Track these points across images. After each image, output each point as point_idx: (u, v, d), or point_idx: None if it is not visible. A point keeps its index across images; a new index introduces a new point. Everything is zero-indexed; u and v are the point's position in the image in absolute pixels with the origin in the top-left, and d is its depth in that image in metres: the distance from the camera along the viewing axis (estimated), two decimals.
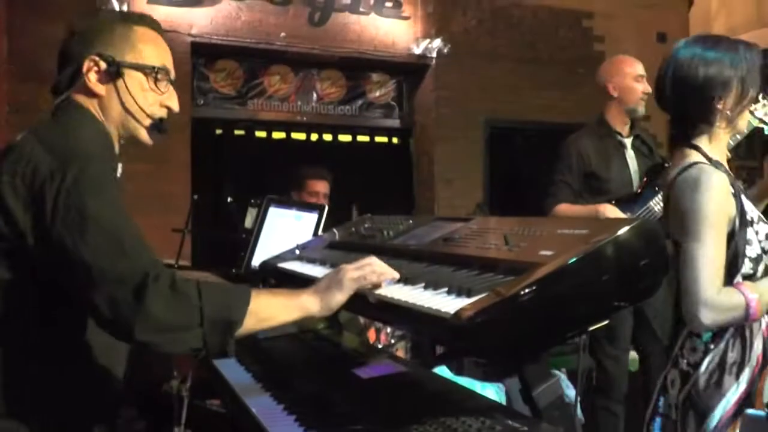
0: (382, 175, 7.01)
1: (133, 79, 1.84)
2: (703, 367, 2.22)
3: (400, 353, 3.38)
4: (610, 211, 3.82)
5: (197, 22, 5.84)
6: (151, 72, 1.86)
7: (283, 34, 6.17)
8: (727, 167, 2.33)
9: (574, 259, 1.45)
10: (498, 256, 1.65)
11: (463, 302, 1.42)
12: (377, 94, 6.99)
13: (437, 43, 6.60)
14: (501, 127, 6.96)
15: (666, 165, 2.74)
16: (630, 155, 4.14)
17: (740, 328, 2.20)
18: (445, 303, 1.45)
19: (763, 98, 3.06)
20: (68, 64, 1.83)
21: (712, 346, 2.22)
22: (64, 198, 1.57)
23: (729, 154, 2.51)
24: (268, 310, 1.69)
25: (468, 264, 1.71)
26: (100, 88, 1.81)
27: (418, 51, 6.59)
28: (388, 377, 2.07)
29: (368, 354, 2.37)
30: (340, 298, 1.73)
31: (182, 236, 3.41)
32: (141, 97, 1.85)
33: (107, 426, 1.87)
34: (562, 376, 3.99)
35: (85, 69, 1.80)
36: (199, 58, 6.20)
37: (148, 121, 1.87)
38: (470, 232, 1.97)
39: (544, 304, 1.41)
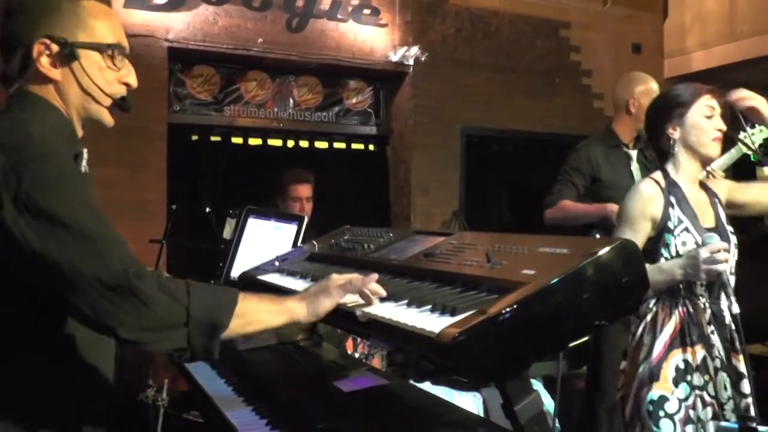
0: (358, 182, 7.01)
1: (88, 59, 1.73)
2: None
3: (377, 361, 3.39)
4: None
5: (174, 27, 5.81)
6: (107, 50, 1.75)
7: (260, 40, 6.15)
8: (686, 188, 2.82)
9: (556, 280, 1.46)
10: (481, 273, 1.66)
11: (447, 321, 1.43)
12: (354, 101, 7.00)
13: (415, 50, 6.62)
14: (478, 135, 6.98)
15: None
16: (635, 167, 4.29)
17: (654, 317, 2.78)
18: (430, 321, 1.46)
19: (751, 127, 3.18)
20: (13, 49, 1.70)
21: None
22: (24, 201, 1.49)
23: (718, 175, 3.13)
24: (255, 314, 1.67)
25: (450, 281, 1.72)
26: (54, 73, 1.71)
27: (395, 58, 6.61)
28: (369, 390, 2.08)
29: (348, 366, 2.38)
30: (327, 304, 1.72)
31: (160, 247, 3.38)
32: (99, 78, 1.75)
33: (97, 423, 1.81)
34: (539, 384, 4.01)
35: (35, 54, 1.68)
36: (175, 63, 6.17)
37: (108, 101, 1.78)
38: (451, 248, 1.98)
39: (527, 323, 1.42)
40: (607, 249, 1.54)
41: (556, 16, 7.28)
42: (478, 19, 6.94)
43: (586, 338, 1.66)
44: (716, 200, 2.91)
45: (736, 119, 3.11)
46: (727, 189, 2.97)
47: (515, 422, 1.68)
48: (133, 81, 1.83)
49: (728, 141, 3.43)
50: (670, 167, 2.87)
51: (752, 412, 2.78)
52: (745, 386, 2.77)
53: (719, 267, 2.60)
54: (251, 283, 2.51)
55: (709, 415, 2.70)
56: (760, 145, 3.28)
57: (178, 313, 1.55)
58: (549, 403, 3.68)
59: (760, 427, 1.84)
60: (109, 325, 1.52)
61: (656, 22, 7.87)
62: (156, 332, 1.55)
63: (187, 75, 6.35)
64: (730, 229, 2.86)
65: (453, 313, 1.46)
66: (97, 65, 1.75)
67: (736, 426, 1.87)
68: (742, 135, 3.36)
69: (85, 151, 1.77)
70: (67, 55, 1.70)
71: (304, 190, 4.56)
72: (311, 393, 2.08)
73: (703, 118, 2.80)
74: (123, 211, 5.21)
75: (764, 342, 5.60)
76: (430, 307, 1.54)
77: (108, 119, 1.80)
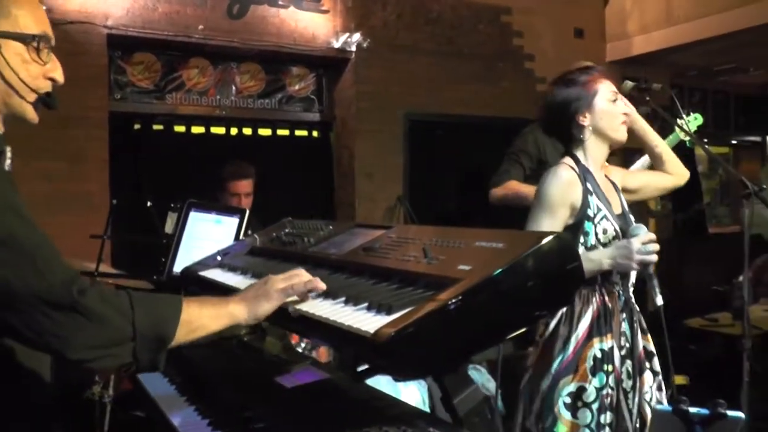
0: (302, 169, 6.99)
1: (11, 50, 1.63)
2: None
3: (323, 352, 3.41)
4: None
5: (113, 13, 5.70)
6: (32, 41, 1.65)
7: (201, 26, 6.08)
8: (596, 175, 2.84)
9: (490, 275, 1.49)
10: (417, 269, 1.69)
11: (383, 320, 1.45)
12: (297, 87, 6.96)
13: (357, 37, 6.61)
14: (421, 120, 7.00)
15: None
16: None
17: (572, 307, 2.74)
18: (366, 320, 1.48)
19: (687, 115, 3.26)
20: None
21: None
22: None
23: None
24: (199, 320, 1.65)
25: (388, 276, 1.74)
26: None
27: (337, 45, 6.59)
28: (311, 385, 2.09)
29: (291, 361, 2.39)
30: (267, 307, 1.72)
31: (102, 243, 3.34)
32: (23, 71, 1.65)
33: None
34: (483, 369, 4.08)
35: None
36: (115, 50, 6.06)
37: (33, 97, 1.68)
38: (390, 242, 2.00)
39: (462, 320, 1.45)
40: (541, 243, 1.57)
41: (498, 2, 7.31)
42: (420, 5, 6.94)
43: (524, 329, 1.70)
44: (618, 188, 2.97)
45: (674, 106, 3.19)
46: (621, 176, 3.04)
47: (454, 415, 1.71)
48: (60, 77, 1.74)
49: (667, 128, 3.52)
50: (579, 153, 2.88)
51: (664, 390, 2.86)
52: (656, 365, 2.85)
53: (651, 258, 2.64)
54: (193, 279, 2.50)
55: (608, 403, 2.71)
56: (695, 131, 3.37)
57: (124, 329, 1.51)
58: (494, 387, 3.74)
59: (691, 409, 1.88)
60: (55, 346, 1.47)
61: (597, 7, 7.96)
62: (102, 349, 1.50)
63: (128, 62, 6.25)
64: (632, 216, 2.92)
65: (389, 312, 1.47)
66: (21, 57, 1.65)
67: (670, 408, 1.91)
68: (679, 122, 3.46)
69: (8, 149, 1.68)
70: None
71: (242, 186, 4.50)
72: (253, 390, 2.09)
73: (609, 103, 2.85)
74: (64, 204, 5.13)
75: (703, 316, 5.76)
76: (366, 305, 1.56)
77: (32, 115, 1.71)
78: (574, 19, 7.78)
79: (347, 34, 6.59)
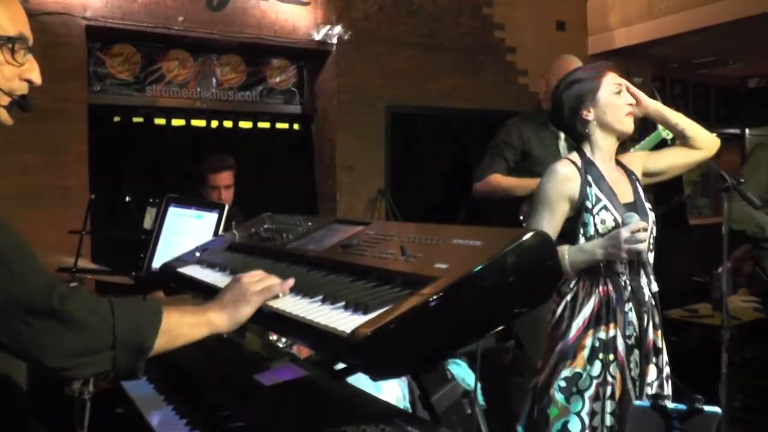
0: (283, 162, 6.96)
1: None
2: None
3: (303, 348, 3.40)
4: None
5: (92, 4, 5.63)
6: (7, 43, 1.60)
7: (181, 18, 6.02)
8: (603, 166, 2.90)
9: (466, 274, 1.49)
10: (395, 267, 1.68)
11: (360, 319, 1.45)
12: (278, 79, 6.92)
13: (338, 29, 6.58)
14: (402, 113, 6.97)
15: None
16: (562, 146, 4.35)
17: (574, 296, 2.85)
18: (342, 319, 1.48)
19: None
20: None
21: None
22: None
23: None
24: (179, 329, 1.63)
25: (365, 274, 1.74)
26: None
27: (318, 37, 6.56)
28: (290, 383, 2.09)
29: (271, 357, 2.38)
30: (247, 312, 1.71)
31: (80, 238, 3.32)
32: None
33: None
34: (463, 363, 4.08)
35: None
36: (94, 42, 6.01)
37: (6, 99, 1.63)
38: (368, 239, 1.99)
39: (438, 319, 1.45)
40: (519, 241, 1.57)
41: None
42: None
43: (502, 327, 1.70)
44: (633, 177, 2.99)
45: (656, 100, 3.19)
46: (641, 161, 3.06)
47: (432, 413, 1.71)
48: (37, 78, 1.69)
49: (650, 125, 3.53)
50: (586, 148, 2.94)
51: (667, 388, 2.89)
52: (662, 361, 2.87)
53: (639, 246, 2.67)
54: (172, 275, 2.49)
55: (609, 392, 2.76)
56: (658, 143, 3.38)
57: (105, 337, 1.49)
58: (472, 381, 3.75)
59: (669, 404, 1.90)
60: (34, 354, 1.45)
61: (579, 0, 7.97)
62: (82, 357, 1.48)
63: (107, 54, 6.18)
64: (648, 205, 2.93)
65: (366, 311, 1.47)
66: None
67: (648, 404, 1.93)
68: None
69: None
70: None
71: (223, 179, 4.50)
72: (232, 388, 2.08)
73: (613, 95, 2.89)
74: (43, 199, 5.08)
75: (684, 306, 5.80)
76: (343, 303, 1.56)
77: (5, 118, 1.66)
78: (556, 12, 7.78)
79: (328, 27, 6.56)
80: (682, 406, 1.82)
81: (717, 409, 1.83)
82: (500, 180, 4.35)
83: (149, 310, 1.62)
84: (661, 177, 3.10)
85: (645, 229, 2.70)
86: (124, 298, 1.59)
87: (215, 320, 1.69)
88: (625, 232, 2.67)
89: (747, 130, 9.43)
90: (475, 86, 7.22)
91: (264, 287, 1.73)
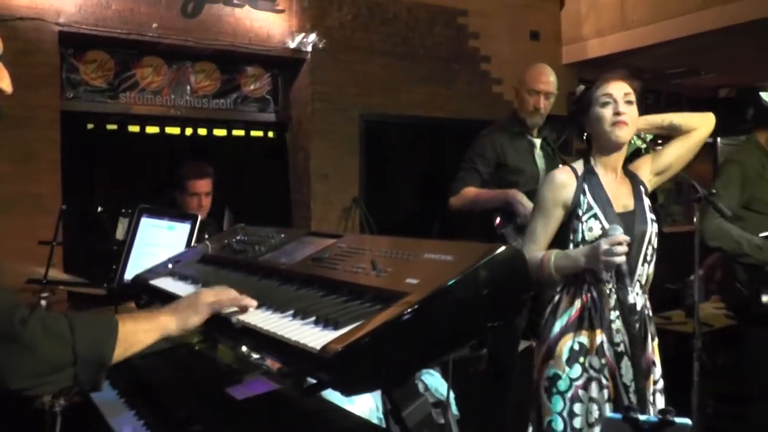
0: (258, 170, 6.94)
1: None
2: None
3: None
4: (520, 195, 4.05)
5: (65, 9, 5.60)
6: None
7: (155, 24, 5.99)
8: (603, 176, 2.95)
9: (437, 289, 1.49)
10: (366, 282, 1.69)
11: (330, 335, 1.45)
12: (252, 87, 6.91)
13: (312, 37, 6.58)
14: (376, 121, 6.99)
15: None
16: (538, 154, 4.39)
17: (558, 301, 2.94)
18: (313, 335, 1.48)
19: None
20: None
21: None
22: None
23: None
24: (135, 336, 1.65)
25: (336, 289, 1.74)
26: None
27: (293, 45, 6.55)
28: (261, 397, 2.08)
29: (243, 370, 2.37)
30: (195, 319, 1.74)
31: (51, 249, 3.29)
32: None
33: None
34: (436, 374, 4.08)
35: None
36: (67, 48, 5.96)
37: None
38: (339, 252, 1.99)
39: (409, 334, 1.45)
40: (489, 256, 1.57)
41: (454, 4, 7.32)
42: (376, 6, 6.93)
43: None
44: (640, 186, 3.03)
45: None
46: (648, 164, 3.10)
47: (404, 427, 1.71)
48: (7, 86, 1.65)
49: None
50: (590, 156, 3.01)
51: (661, 400, 2.93)
52: (657, 373, 2.92)
53: (616, 260, 2.71)
54: (144, 287, 2.47)
55: (606, 396, 2.83)
56: (651, 139, 3.40)
57: (65, 356, 1.50)
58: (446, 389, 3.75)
59: (641, 417, 1.91)
60: None
61: (553, 10, 8.03)
62: (44, 377, 1.49)
63: (81, 60, 6.14)
64: (651, 216, 2.97)
65: (336, 327, 1.47)
66: None
67: (620, 416, 1.94)
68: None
69: None
70: None
71: (203, 186, 4.48)
72: (204, 402, 2.07)
73: (599, 108, 2.92)
74: (13, 207, 5.02)
75: (657, 314, 5.83)
76: (314, 318, 1.56)
77: None
78: (530, 22, 7.84)
79: (303, 35, 6.56)
80: (653, 418, 1.83)
81: (688, 421, 1.84)
82: (473, 193, 4.37)
83: (106, 322, 1.63)
84: (672, 170, 3.13)
85: (625, 243, 2.72)
86: (81, 312, 1.60)
87: (165, 324, 1.72)
88: (604, 245, 2.70)
89: (719, 139, 9.52)
90: (449, 95, 7.25)
91: (215, 300, 1.75)
